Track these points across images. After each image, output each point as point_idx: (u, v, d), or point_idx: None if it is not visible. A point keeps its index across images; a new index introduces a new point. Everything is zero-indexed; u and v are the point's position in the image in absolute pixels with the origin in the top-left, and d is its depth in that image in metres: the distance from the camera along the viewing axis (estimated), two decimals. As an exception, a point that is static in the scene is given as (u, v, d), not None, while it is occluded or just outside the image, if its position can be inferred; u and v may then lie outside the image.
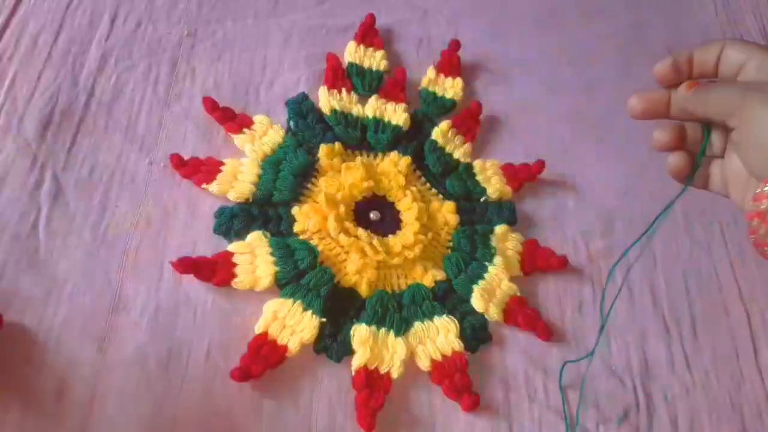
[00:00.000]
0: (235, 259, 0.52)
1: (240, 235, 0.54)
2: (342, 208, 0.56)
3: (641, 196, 0.65)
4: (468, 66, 0.71)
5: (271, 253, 0.53)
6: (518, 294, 0.56)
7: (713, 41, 0.40)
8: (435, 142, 0.63)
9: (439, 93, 0.67)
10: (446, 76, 0.68)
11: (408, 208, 0.58)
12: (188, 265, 0.51)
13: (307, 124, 0.62)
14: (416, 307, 0.54)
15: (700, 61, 0.41)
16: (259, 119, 0.61)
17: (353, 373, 0.49)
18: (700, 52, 0.41)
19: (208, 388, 0.48)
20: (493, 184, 0.62)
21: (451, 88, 0.67)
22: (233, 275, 0.52)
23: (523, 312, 0.55)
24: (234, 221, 0.55)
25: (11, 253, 0.50)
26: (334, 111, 0.62)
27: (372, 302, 0.53)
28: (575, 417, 0.52)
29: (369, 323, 0.52)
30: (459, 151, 0.64)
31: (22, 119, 0.57)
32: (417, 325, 0.53)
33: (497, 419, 0.51)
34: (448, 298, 0.55)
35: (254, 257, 0.53)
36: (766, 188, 0.34)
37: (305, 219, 0.56)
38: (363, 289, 0.54)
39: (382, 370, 0.50)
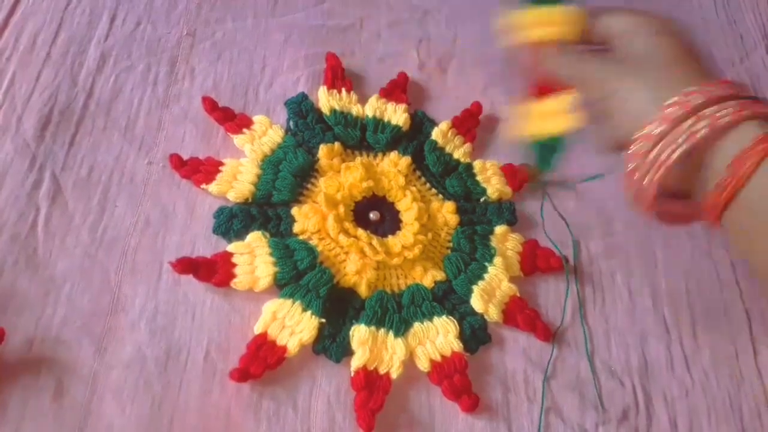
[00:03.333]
0: (234, 260, 0.52)
1: (239, 235, 0.54)
2: (341, 209, 0.56)
3: (641, 196, 0.65)
4: (468, 66, 0.71)
5: (271, 254, 0.53)
6: (518, 294, 0.56)
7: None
8: (435, 142, 0.63)
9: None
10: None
11: (408, 208, 0.58)
12: (187, 266, 0.51)
13: (307, 124, 0.61)
14: (416, 307, 0.54)
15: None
16: (258, 119, 0.61)
17: (352, 374, 0.49)
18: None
19: (206, 388, 0.48)
20: (493, 184, 0.62)
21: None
22: (232, 276, 0.51)
23: (522, 313, 0.55)
24: (233, 221, 0.55)
25: (9, 253, 0.50)
26: (333, 111, 0.62)
27: (371, 303, 0.53)
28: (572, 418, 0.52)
29: (368, 324, 0.52)
30: (459, 151, 0.64)
31: (21, 119, 0.57)
32: (416, 325, 0.53)
33: (496, 420, 0.51)
34: (447, 298, 0.55)
35: (253, 257, 0.53)
36: (644, 131, 0.37)
37: (305, 219, 0.56)
38: (362, 290, 0.54)
39: (382, 370, 0.50)
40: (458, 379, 0.50)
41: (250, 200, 0.56)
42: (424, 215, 0.58)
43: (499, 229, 0.59)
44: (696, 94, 0.36)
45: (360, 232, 0.55)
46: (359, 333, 0.51)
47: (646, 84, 0.38)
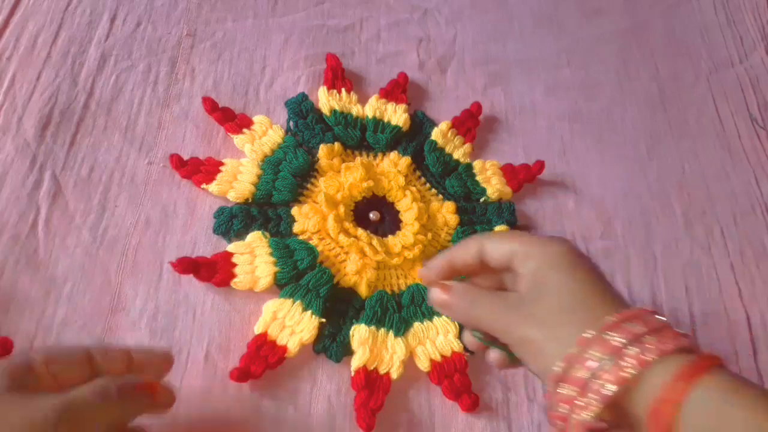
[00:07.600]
0: (234, 260, 0.52)
1: (239, 235, 0.54)
2: (341, 209, 0.56)
3: (641, 196, 0.66)
4: (468, 66, 0.71)
5: (271, 254, 0.53)
6: (518, 294, 0.56)
7: (470, 239, 0.38)
8: (435, 143, 0.63)
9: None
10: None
11: (408, 208, 0.58)
12: (187, 266, 0.51)
13: (307, 125, 0.62)
14: (416, 307, 0.54)
15: (461, 262, 0.38)
16: (258, 119, 0.61)
17: (353, 374, 0.49)
18: (458, 252, 0.39)
19: (207, 388, 0.48)
20: (493, 184, 0.62)
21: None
22: (233, 275, 0.52)
23: (522, 312, 0.55)
24: (233, 221, 0.55)
25: (10, 254, 0.50)
26: (333, 111, 0.62)
27: (371, 302, 0.53)
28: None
29: (368, 323, 0.52)
30: (459, 152, 0.64)
31: (22, 119, 0.57)
32: (416, 325, 0.53)
33: (496, 420, 0.51)
34: (447, 298, 0.55)
35: (254, 257, 0.53)
36: (560, 390, 0.32)
37: (305, 219, 0.56)
38: (362, 290, 0.54)
39: (382, 370, 0.50)
40: (458, 379, 0.50)
41: (250, 200, 0.56)
42: (424, 215, 0.58)
43: (499, 229, 0.59)
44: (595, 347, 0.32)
45: (360, 232, 0.55)
46: (359, 333, 0.51)
47: (551, 333, 0.34)
